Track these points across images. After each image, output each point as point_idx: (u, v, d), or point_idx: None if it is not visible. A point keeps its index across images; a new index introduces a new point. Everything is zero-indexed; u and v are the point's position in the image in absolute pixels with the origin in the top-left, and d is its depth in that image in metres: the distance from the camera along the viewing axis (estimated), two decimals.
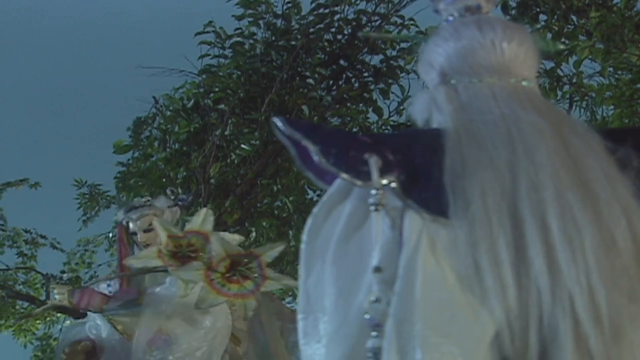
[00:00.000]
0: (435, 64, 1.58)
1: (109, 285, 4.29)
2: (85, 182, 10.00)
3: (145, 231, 4.18)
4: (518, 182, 1.34)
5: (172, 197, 4.44)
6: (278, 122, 1.46)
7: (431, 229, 1.33)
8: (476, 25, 1.60)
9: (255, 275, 3.69)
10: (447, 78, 1.55)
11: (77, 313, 5.18)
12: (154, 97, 8.30)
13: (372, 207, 1.35)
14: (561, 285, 1.26)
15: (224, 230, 7.81)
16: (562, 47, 5.66)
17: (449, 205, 1.33)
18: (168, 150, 8.02)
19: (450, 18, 1.67)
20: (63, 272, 10.75)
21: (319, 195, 8.15)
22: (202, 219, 3.85)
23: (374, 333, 1.28)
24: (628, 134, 1.52)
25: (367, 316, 1.29)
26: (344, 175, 1.38)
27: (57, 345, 4.42)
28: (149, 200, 4.36)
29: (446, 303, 1.27)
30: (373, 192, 1.35)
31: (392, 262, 1.32)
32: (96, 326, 4.04)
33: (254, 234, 7.81)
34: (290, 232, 7.72)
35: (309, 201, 7.99)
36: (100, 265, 10.26)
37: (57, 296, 3.97)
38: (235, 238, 3.93)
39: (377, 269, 1.31)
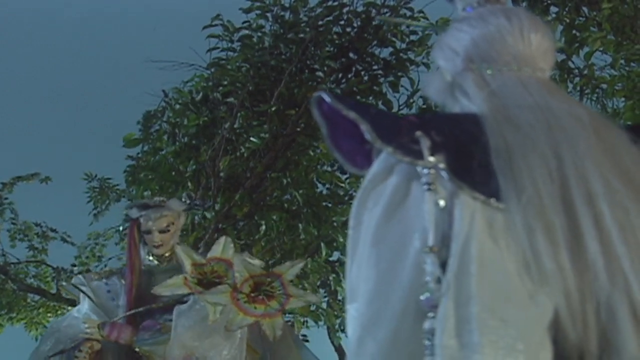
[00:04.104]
0: (460, 49, 1.58)
1: (106, 284, 4.27)
2: (95, 175, 10.00)
3: (161, 232, 4.16)
4: (564, 167, 1.36)
5: (188, 202, 4.42)
6: (325, 96, 1.46)
7: (485, 211, 1.33)
8: (503, 14, 1.61)
9: (279, 294, 3.69)
10: (473, 65, 1.56)
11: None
12: (163, 91, 8.30)
13: (425, 187, 1.34)
14: (617, 270, 1.27)
15: (234, 224, 7.86)
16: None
17: (499, 189, 1.34)
18: (177, 143, 8.00)
19: (470, 8, 1.66)
20: (74, 265, 10.78)
21: (328, 189, 8.12)
22: (223, 246, 3.93)
23: (431, 314, 1.27)
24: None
25: (424, 297, 1.28)
26: (395, 152, 1.37)
27: (51, 332, 4.36)
28: (164, 201, 4.32)
29: (503, 286, 1.27)
30: (425, 171, 1.35)
31: (442, 242, 1.32)
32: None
33: (263, 227, 7.79)
34: (300, 225, 7.69)
35: (318, 195, 7.97)
36: (110, 258, 10.28)
37: (87, 330, 3.98)
38: (256, 262, 3.95)
39: (432, 249, 1.30)
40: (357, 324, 1.33)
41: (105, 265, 10.41)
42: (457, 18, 1.67)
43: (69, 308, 10.29)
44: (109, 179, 9.96)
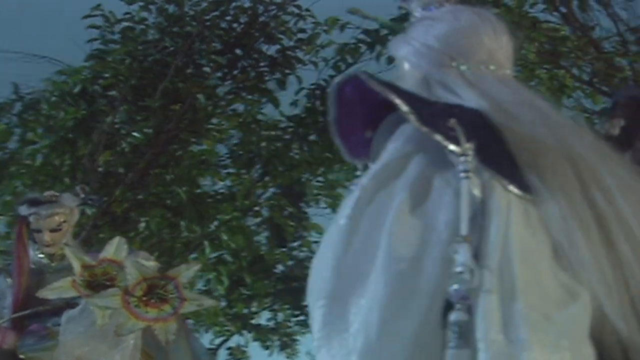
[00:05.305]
0: (436, 45, 1.55)
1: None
2: None
3: (52, 231, 3.94)
4: (577, 161, 1.36)
5: (82, 196, 4.23)
6: (362, 75, 1.41)
7: (520, 203, 1.31)
8: (475, 13, 1.61)
9: (173, 297, 3.61)
10: (452, 61, 1.53)
11: None
12: (14, 83, 7.96)
13: (463, 174, 1.31)
14: None
15: (112, 221, 7.64)
16: None
17: (528, 182, 1.33)
18: (53, 137, 7.70)
19: (432, 7, 1.65)
20: None
21: (198, 189, 7.97)
22: (115, 247, 3.77)
23: (458, 306, 1.23)
24: None
25: (454, 288, 1.24)
26: (440, 138, 1.34)
27: None
28: (55, 196, 4.11)
29: (544, 281, 1.26)
30: (462, 158, 1.32)
31: (475, 232, 1.28)
32: None
33: (143, 224, 7.61)
34: (183, 223, 7.55)
35: (202, 192, 7.86)
36: None
37: None
38: (151, 264, 3.81)
39: (466, 239, 1.26)
40: (374, 317, 1.26)
41: None
42: (419, 17, 1.65)
43: None
44: None
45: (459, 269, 1.24)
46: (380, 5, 7.28)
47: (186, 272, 3.71)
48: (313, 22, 7.48)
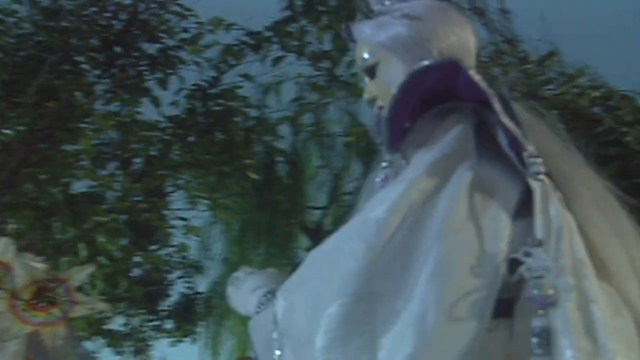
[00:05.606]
0: (425, 37, 1.54)
1: None
2: None
3: None
4: (579, 170, 1.40)
5: None
6: (460, 61, 1.34)
7: (566, 210, 1.31)
8: (457, 11, 1.60)
9: (64, 300, 3.48)
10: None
11: None
12: None
13: (536, 176, 1.29)
14: None
15: None
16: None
17: (558, 189, 1.34)
18: None
19: None
20: None
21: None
22: (2, 248, 3.56)
23: (541, 312, 1.21)
24: None
25: (535, 293, 1.22)
26: (523, 136, 1.30)
27: None
28: None
29: (604, 290, 1.27)
30: (533, 160, 1.31)
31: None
32: None
33: (14, 225, 7.26)
34: (57, 224, 7.23)
35: (78, 193, 7.57)
36: None
37: None
38: (41, 265, 3.66)
39: (541, 242, 1.24)
40: (429, 321, 1.22)
41: None
42: (391, 6, 1.62)
43: None
44: None
45: (539, 273, 1.22)
46: (263, 5, 7.28)
47: (78, 274, 3.59)
48: (196, 22, 7.35)
